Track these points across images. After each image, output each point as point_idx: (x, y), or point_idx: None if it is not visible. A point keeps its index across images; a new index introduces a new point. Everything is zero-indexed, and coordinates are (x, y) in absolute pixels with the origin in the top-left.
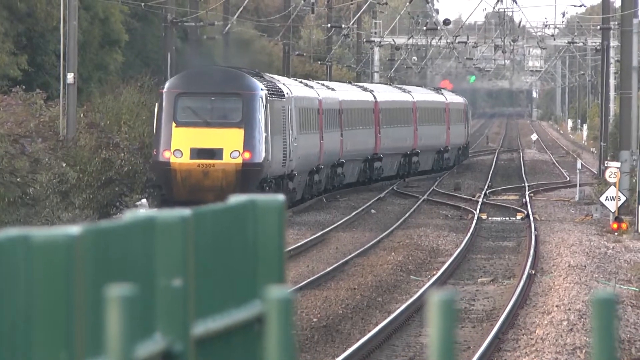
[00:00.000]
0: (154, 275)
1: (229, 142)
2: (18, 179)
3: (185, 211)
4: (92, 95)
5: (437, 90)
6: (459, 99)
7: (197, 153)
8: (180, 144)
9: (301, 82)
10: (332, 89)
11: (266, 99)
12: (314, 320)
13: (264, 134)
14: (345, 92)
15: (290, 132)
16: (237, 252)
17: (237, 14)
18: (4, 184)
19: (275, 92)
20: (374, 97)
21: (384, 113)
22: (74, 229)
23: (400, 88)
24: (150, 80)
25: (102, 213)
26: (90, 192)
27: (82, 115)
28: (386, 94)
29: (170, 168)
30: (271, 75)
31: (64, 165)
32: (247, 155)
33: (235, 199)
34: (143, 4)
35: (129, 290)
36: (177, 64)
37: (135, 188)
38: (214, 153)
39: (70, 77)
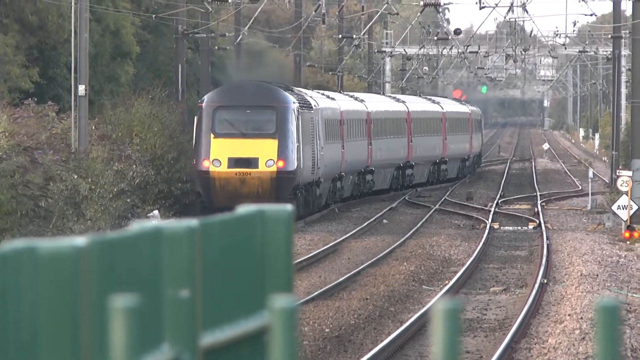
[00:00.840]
0: (162, 286)
1: (264, 151)
2: (31, 192)
3: (193, 222)
4: (103, 108)
5: (459, 101)
6: (477, 110)
7: (235, 162)
8: (219, 154)
9: (323, 94)
10: (361, 100)
11: (297, 111)
12: (327, 330)
13: (296, 144)
14: (375, 103)
15: (318, 141)
16: (245, 262)
17: (248, 25)
18: (16, 197)
19: (305, 105)
20: (407, 108)
21: (416, 123)
22: (80, 240)
23: (429, 99)
24: (162, 92)
25: (114, 225)
26: (102, 204)
27: (93, 127)
28: (418, 104)
29: (210, 176)
30: (299, 88)
31: (76, 177)
32: (281, 163)
33: (243, 209)
34: (154, 15)
35: (133, 301)
36: (188, 75)
37: (147, 199)
38: (250, 162)
39: (81, 89)
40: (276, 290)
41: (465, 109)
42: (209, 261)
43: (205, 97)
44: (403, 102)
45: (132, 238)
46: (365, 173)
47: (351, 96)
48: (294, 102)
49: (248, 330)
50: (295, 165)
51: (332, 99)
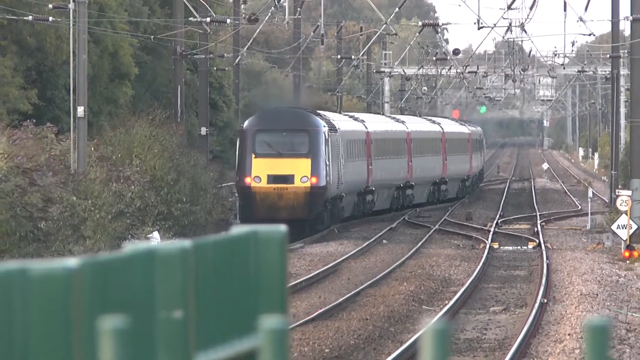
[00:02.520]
0: (155, 307)
1: (298, 169)
2: (29, 213)
3: (186, 242)
4: (102, 129)
5: (459, 121)
6: (478, 129)
7: (273, 179)
8: (259, 172)
9: (348, 115)
10: (362, 120)
11: (327, 133)
12: (326, 350)
13: (326, 163)
14: (375, 123)
15: (341, 160)
16: (239, 283)
17: (247, 46)
18: (15, 218)
19: (332, 128)
20: (406, 127)
21: (415, 143)
22: (72, 262)
23: (429, 119)
24: (161, 114)
25: (114, 246)
26: (101, 225)
27: (92, 148)
28: (417, 124)
29: (251, 191)
30: (325, 112)
31: (75, 198)
32: (314, 180)
33: (237, 229)
34: (152, 37)
35: (122, 322)
36: (187, 96)
37: (146, 221)
38: (287, 178)
39: (80, 110)
40: (270, 311)
41: (464, 129)
42: (202, 282)
43: (246, 122)
44: (403, 122)
45: (125, 259)
46: (365, 193)
47: (351, 116)
48: (324, 126)
49: (241, 351)
50: (326, 181)
51: (358, 120)
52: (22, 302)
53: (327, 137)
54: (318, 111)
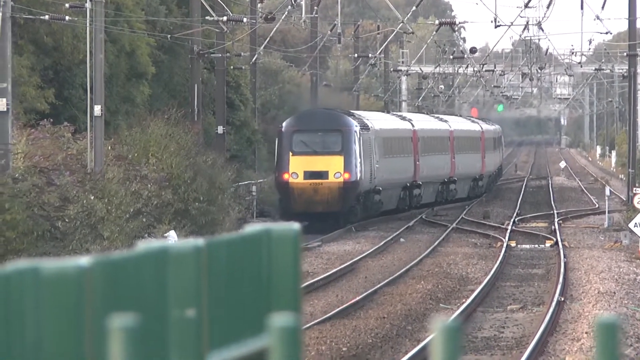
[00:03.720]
0: (168, 306)
1: (332, 166)
2: (47, 213)
3: (199, 241)
4: (119, 128)
5: (486, 120)
6: (496, 127)
7: (309, 175)
8: (296, 168)
9: (396, 114)
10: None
11: (359, 133)
12: (344, 349)
13: (358, 159)
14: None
15: (374, 156)
16: (252, 281)
17: (263, 45)
18: (33, 217)
19: (364, 127)
20: (449, 126)
21: (458, 141)
22: (84, 261)
23: (437, 117)
24: (177, 112)
25: (131, 245)
26: (118, 224)
27: (109, 147)
28: (459, 123)
29: (289, 186)
30: (360, 112)
31: (92, 197)
32: (346, 175)
33: (250, 228)
34: (169, 36)
35: (132, 320)
36: (204, 95)
37: (163, 220)
38: (322, 174)
39: (97, 109)
40: (283, 309)
41: (476, 126)
42: (215, 280)
43: (284, 123)
44: (446, 121)
45: (137, 258)
46: (412, 187)
47: (398, 116)
48: (356, 126)
49: (255, 350)
50: (358, 176)
51: (406, 119)
52: (35, 300)
53: (358, 136)
54: (354, 112)
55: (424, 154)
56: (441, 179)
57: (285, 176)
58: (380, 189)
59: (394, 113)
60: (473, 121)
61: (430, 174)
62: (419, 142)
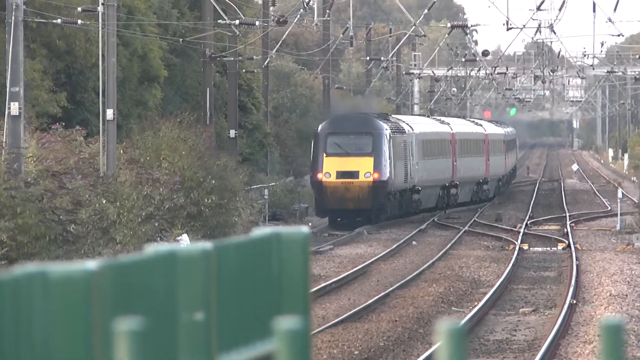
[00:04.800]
0: (177, 309)
1: (363, 166)
2: (59, 217)
3: (207, 245)
4: (131, 132)
5: (503, 123)
6: (510, 130)
7: (341, 174)
8: (329, 168)
9: (435, 118)
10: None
11: (390, 135)
12: (355, 352)
13: (388, 160)
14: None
15: (412, 158)
16: (261, 284)
17: (275, 48)
18: (45, 222)
19: (398, 130)
20: (484, 129)
21: (491, 144)
22: (92, 264)
23: (438, 120)
24: (190, 116)
25: (143, 249)
26: (131, 228)
27: (121, 151)
28: (491, 127)
29: (323, 185)
30: (398, 116)
31: (104, 201)
32: (376, 175)
33: (260, 231)
34: (182, 39)
35: (138, 324)
36: (216, 98)
37: (175, 223)
38: (353, 174)
39: (109, 113)
40: (292, 312)
41: (501, 130)
42: (224, 284)
43: (320, 126)
44: (481, 125)
45: (146, 261)
46: (450, 187)
47: (437, 119)
48: (386, 129)
49: (264, 353)
50: (387, 176)
51: (444, 122)
52: (43, 304)
53: (389, 139)
54: (390, 116)
55: (461, 156)
56: (476, 180)
57: (319, 175)
58: (420, 188)
59: (434, 117)
60: (497, 125)
61: (467, 174)
62: (456, 145)
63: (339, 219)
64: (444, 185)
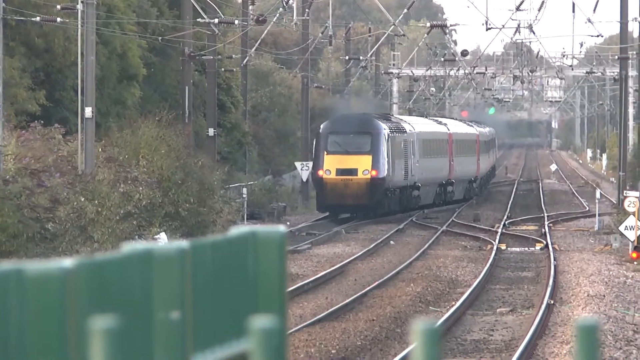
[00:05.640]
0: (152, 308)
1: (362, 164)
2: (37, 215)
3: (184, 243)
4: (110, 130)
5: (482, 124)
6: (490, 130)
7: (341, 171)
8: (330, 166)
9: (433, 119)
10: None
11: (388, 135)
12: (333, 352)
13: (386, 159)
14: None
15: (412, 156)
16: (238, 283)
17: (255, 47)
18: (22, 220)
19: (397, 130)
20: (476, 130)
21: (482, 144)
22: (68, 262)
23: (435, 120)
24: (169, 115)
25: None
26: (109, 226)
27: (100, 149)
28: (483, 128)
29: (323, 182)
30: (400, 117)
31: (83, 199)
32: (374, 172)
33: (236, 230)
34: (161, 38)
35: (113, 322)
36: (195, 97)
37: (154, 222)
38: (352, 171)
39: (88, 111)
40: (268, 311)
41: (488, 130)
42: (200, 282)
43: (322, 125)
44: (472, 125)
45: (122, 260)
46: (447, 185)
47: (435, 120)
48: (384, 129)
49: (239, 352)
50: (385, 173)
51: (442, 123)
52: (18, 302)
53: (387, 138)
54: (391, 116)
55: (457, 155)
56: (469, 178)
57: (320, 172)
58: (420, 185)
59: (431, 117)
60: (482, 126)
61: (462, 173)
62: (453, 145)
63: (342, 215)
64: (442, 182)
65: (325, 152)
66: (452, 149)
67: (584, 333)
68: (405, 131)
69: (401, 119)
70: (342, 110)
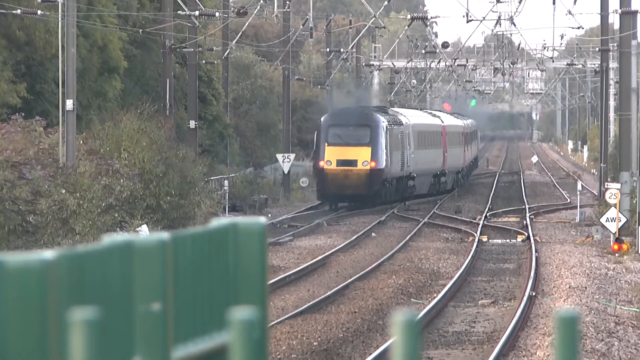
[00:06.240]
0: (133, 300)
1: (361, 155)
2: (19, 207)
3: (164, 235)
4: (91, 123)
5: (460, 115)
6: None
7: (341, 162)
8: (330, 157)
9: (427, 111)
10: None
11: (387, 127)
12: (315, 344)
13: (385, 150)
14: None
15: (410, 148)
16: (218, 275)
17: (235, 39)
18: (4, 212)
19: (395, 122)
20: (463, 122)
21: (467, 136)
22: (49, 254)
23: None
24: (150, 107)
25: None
26: (90, 219)
27: (81, 142)
28: (469, 121)
29: (324, 172)
30: (397, 109)
31: (64, 192)
32: (373, 163)
33: (217, 222)
34: (141, 30)
35: (93, 314)
36: (176, 89)
37: (135, 214)
38: (352, 162)
39: (69, 104)
40: (249, 303)
41: (472, 122)
42: (181, 274)
43: (322, 118)
44: (460, 118)
45: (102, 252)
46: (440, 175)
47: (429, 113)
48: (383, 121)
49: (221, 344)
50: (384, 164)
51: (435, 116)
52: None
53: (385, 130)
54: (389, 109)
55: (450, 147)
56: (458, 169)
57: (321, 163)
58: (415, 175)
59: (426, 110)
60: (464, 117)
61: (454, 164)
62: (447, 137)
63: (344, 203)
64: (436, 173)
65: (326, 144)
66: (446, 140)
67: (565, 325)
68: (402, 123)
69: (398, 112)
70: (274, 100)
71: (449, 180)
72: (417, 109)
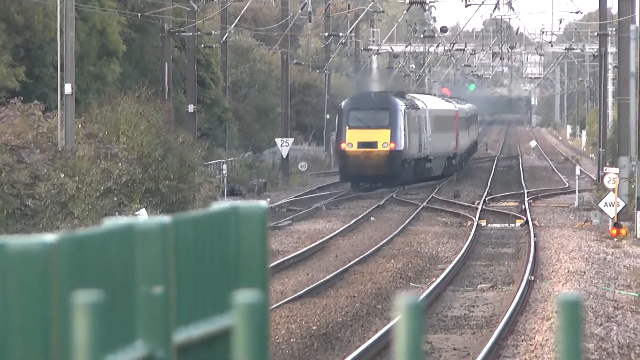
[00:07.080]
0: (135, 283)
1: (381, 137)
2: (18, 191)
3: (165, 219)
4: (90, 106)
5: (445, 97)
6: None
7: (362, 144)
8: (352, 139)
9: (441, 97)
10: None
11: (405, 111)
12: (314, 328)
13: (403, 132)
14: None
15: (426, 131)
16: (219, 259)
17: (234, 23)
18: (3, 196)
19: (412, 107)
20: (473, 108)
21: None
22: (50, 237)
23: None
24: (148, 91)
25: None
26: (89, 203)
27: (80, 126)
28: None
29: (346, 154)
30: (413, 95)
31: (63, 175)
32: (392, 145)
33: (218, 206)
34: (140, 14)
35: (96, 297)
36: (175, 73)
37: (134, 198)
38: (372, 144)
39: (68, 87)
40: (250, 287)
41: (470, 107)
42: (182, 258)
43: (344, 102)
44: (468, 104)
45: (104, 235)
46: (453, 158)
47: (443, 98)
48: (401, 105)
49: (222, 327)
50: (403, 146)
51: (449, 101)
52: (0, 277)
53: (404, 114)
54: (405, 93)
55: (462, 130)
56: (465, 151)
57: (343, 146)
58: (432, 158)
59: (439, 95)
60: (463, 102)
61: (464, 147)
62: (459, 121)
63: (362, 184)
64: (449, 155)
65: (348, 127)
66: (459, 124)
67: (567, 309)
68: (419, 108)
69: (414, 97)
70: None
71: (457, 161)
72: (432, 94)
